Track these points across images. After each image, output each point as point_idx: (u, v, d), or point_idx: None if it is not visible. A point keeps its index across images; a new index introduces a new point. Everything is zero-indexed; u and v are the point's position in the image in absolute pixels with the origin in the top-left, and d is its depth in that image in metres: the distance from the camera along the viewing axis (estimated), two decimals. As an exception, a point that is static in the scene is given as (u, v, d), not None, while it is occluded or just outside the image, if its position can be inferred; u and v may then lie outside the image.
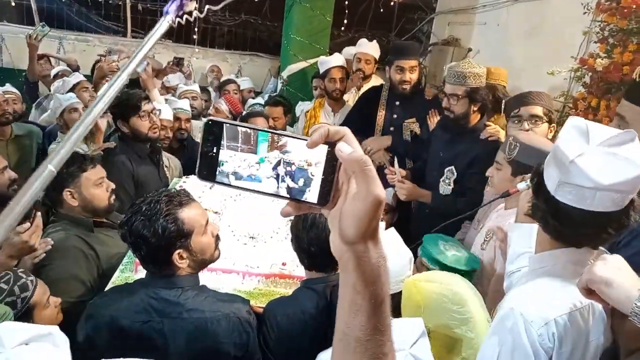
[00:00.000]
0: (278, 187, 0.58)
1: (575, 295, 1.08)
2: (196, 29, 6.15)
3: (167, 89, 4.43)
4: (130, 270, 1.86)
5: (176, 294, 1.45)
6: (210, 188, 2.44)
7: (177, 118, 3.27)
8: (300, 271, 1.82)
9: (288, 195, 0.58)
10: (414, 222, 2.85)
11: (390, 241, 1.81)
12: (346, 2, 5.65)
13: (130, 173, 2.56)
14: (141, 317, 1.42)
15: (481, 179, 2.20)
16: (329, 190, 0.57)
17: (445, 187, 2.52)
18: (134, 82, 3.52)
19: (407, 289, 1.59)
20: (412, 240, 1.99)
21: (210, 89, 5.08)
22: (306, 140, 0.55)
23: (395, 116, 3.13)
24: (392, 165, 2.66)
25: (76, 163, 1.94)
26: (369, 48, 3.63)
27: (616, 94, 2.44)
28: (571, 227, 1.13)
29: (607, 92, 2.54)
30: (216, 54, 6.48)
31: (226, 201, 2.39)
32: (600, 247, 1.21)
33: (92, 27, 6.29)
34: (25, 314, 1.48)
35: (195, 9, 0.66)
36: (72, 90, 3.51)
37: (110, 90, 0.53)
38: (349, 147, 0.54)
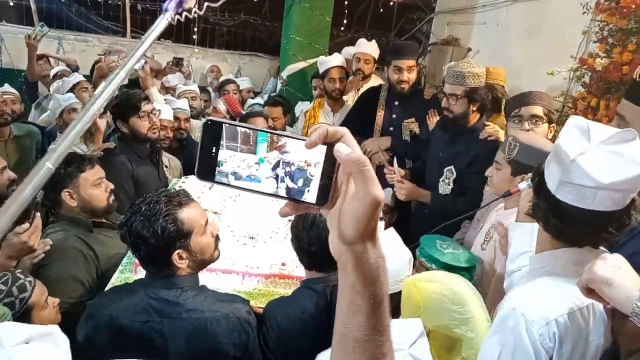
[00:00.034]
0: (277, 187, 0.58)
1: (575, 295, 1.08)
2: (196, 29, 6.16)
3: (166, 89, 4.43)
4: (129, 271, 1.86)
5: (176, 294, 1.45)
6: (210, 188, 2.44)
7: (176, 118, 3.27)
8: (299, 271, 1.82)
9: (287, 196, 0.58)
10: (414, 222, 2.85)
11: (390, 241, 1.81)
12: (345, 2, 5.65)
13: (130, 173, 2.55)
14: (141, 317, 1.42)
15: (480, 179, 2.20)
16: (328, 190, 0.57)
17: (445, 187, 2.52)
18: (134, 82, 3.51)
19: (407, 289, 1.59)
20: (411, 240, 1.99)
21: (209, 89, 5.07)
22: (305, 140, 0.55)
23: (394, 116, 3.13)
24: (392, 165, 2.66)
25: (74, 163, 1.94)
26: (368, 48, 3.63)
27: (616, 94, 2.44)
28: (572, 227, 1.13)
29: (606, 92, 2.54)
30: (216, 54, 6.49)
31: (226, 201, 2.38)
32: (601, 247, 1.21)
33: (92, 27, 6.29)
34: (23, 314, 1.47)
35: (194, 6, 0.66)
36: (71, 90, 3.51)
37: (108, 88, 0.53)
38: (347, 147, 0.54)
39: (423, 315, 1.50)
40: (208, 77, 5.62)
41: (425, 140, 2.83)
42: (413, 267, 1.84)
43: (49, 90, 4.00)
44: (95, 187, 1.98)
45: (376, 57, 3.67)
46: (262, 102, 4.30)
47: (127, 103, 2.54)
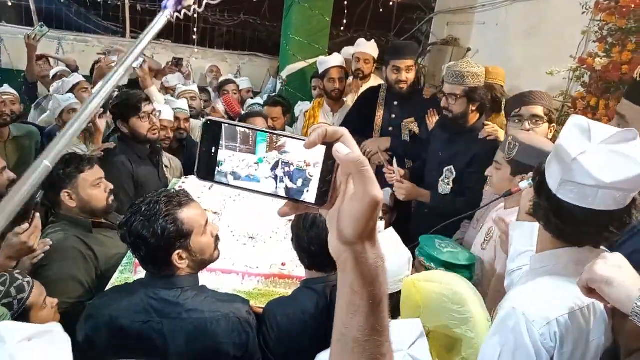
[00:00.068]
0: (276, 187, 0.58)
1: (576, 294, 1.07)
2: (195, 29, 6.15)
3: (166, 90, 4.43)
4: (129, 271, 1.85)
5: (176, 294, 1.45)
6: (209, 188, 2.44)
7: (176, 118, 3.27)
8: (299, 271, 1.82)
9: (286, 196, 0.58)
10: (413, 222, 2.85)
11: (389, 241, 1.81)
12: (345, 2, 5.65)
13: (130, 174, 2.55)
14: (141, 317, 1.42)
15: (480, 179, 2.20)
16: (327, 190, 0.57)
17: (445, 186, 2.52)
18: (134, 83, 3.51)
19: (406, 289, 1.59)
20: (411, 240, 1.99)
21: (209, 89, 5.08)
22: (304, 140, 0.55)
23: (393, 116, 3.12)
24: (391, 164, 2.66)
25: (73, 164, 1.94)
26: (368, 48, 3.63)
27: (615, 93, 2.44)
28: (573, 226, 1.13)
29: (606, 92, 2.54)
30: (215, 54, 6.49)
31: (225, 201, 2.38)
32: (601, 247, 1.20)
33: (91, 28, 6.29)
34: (22, 315, 1.47)
35: (194, 4, 0.65)
36: (71, 90, 3.51)
37: (107, 86, 0.53)
38: (346, 147, 0.53)
39: (423, 315, 1.49)
40: (208, 77, 5.62)
41: (425, 140, 2.83)
42: (412, 267, 1.84)
43: (49, 91, 4.00)
44: (94, 188, 1.98)
45: (376, 57, 3.67)
46: (261, 102, 4.30)
47: (127, 103, 2.54)
